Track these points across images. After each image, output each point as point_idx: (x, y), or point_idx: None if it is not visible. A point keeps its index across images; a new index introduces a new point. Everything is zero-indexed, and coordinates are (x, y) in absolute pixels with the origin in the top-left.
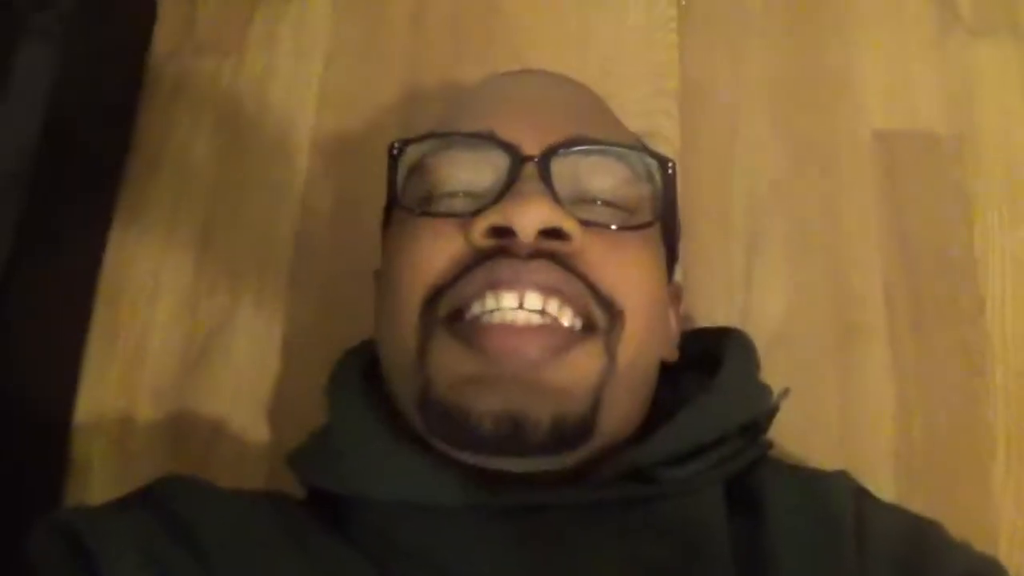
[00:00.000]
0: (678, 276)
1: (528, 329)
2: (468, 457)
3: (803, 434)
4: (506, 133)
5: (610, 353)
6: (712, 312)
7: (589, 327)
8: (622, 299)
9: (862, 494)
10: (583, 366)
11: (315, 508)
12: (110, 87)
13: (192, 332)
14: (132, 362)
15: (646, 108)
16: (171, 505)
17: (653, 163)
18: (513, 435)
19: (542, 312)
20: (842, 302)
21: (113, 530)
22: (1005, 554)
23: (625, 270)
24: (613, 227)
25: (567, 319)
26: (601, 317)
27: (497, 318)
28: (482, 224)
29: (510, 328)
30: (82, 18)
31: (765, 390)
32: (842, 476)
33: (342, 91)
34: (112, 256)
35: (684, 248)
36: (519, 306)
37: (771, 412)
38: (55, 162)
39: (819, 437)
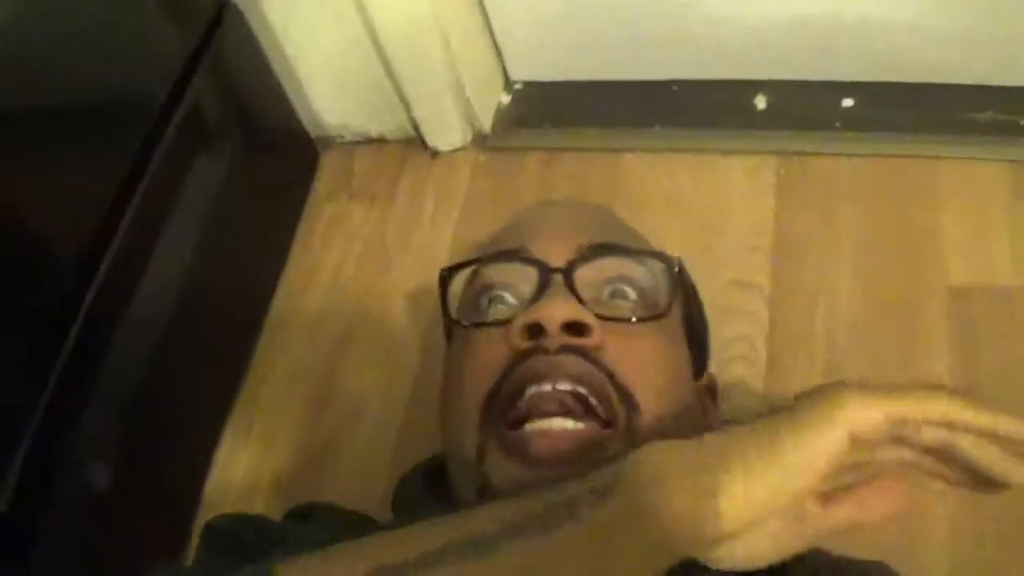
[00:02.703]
0: None
1: (562, 433)
2: None
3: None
4: (534, 249)
5: (630, 443)
6: None
7: (610, 421)
8: (639, 393)
9: None
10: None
11: None
12: (270, 219)
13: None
14: (262, 453)
15: (742, 261)
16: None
17: (661, 265)
18: None
19: (573, 394)
20: None
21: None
22: None
23: (643, 360)
24: (631, 320)
25: (592, 400)
26: (620, 410)
27: (538, 427)
28: (517, 326)
29: (548, 434)
30: (251, 154)
31: None
32: (882, 566)
33: (474, 236)
34: (257, 361)
35: (769, 384)
36: (552, 389)
37: None
38: (209, 284)
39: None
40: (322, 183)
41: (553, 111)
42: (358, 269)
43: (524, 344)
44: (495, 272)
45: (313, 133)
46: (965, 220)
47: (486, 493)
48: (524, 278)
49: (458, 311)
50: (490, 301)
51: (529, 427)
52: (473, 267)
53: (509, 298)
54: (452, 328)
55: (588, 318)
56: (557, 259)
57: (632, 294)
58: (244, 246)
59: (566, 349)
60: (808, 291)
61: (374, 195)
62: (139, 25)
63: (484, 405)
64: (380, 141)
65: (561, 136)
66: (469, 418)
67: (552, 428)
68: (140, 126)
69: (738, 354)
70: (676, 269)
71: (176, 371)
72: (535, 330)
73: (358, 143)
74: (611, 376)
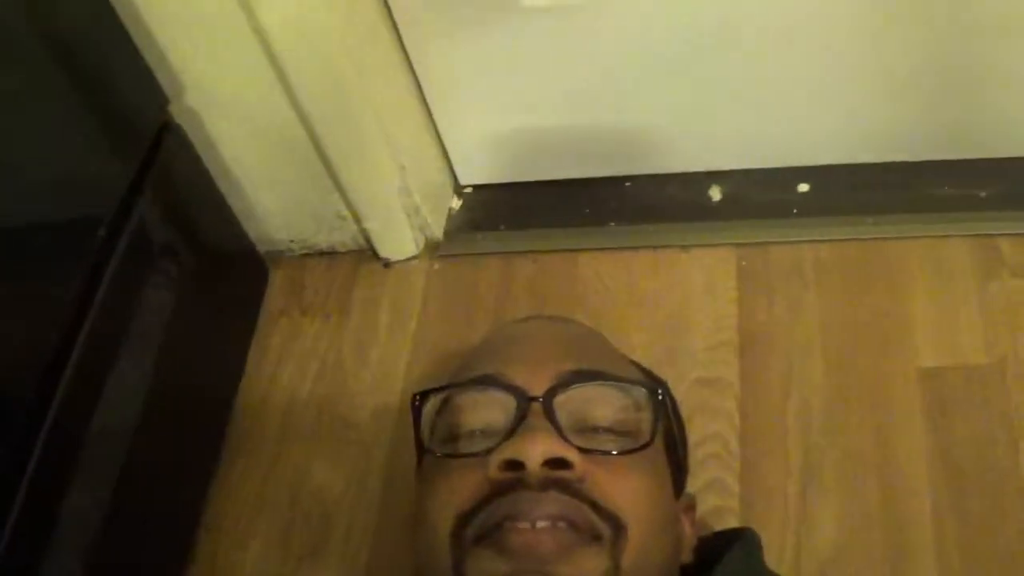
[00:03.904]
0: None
1: (542, 530)
2: None
3: None
4: (511, 375)
5: (614, 560)
6: (769, 540)
7: (594, 537)
8: (624, 515)
9: None
10: (589, 567)
11: None
12: (222, 338)
13: (284, 560)
14: None
15: (708, 358)
16: None
17: (644, 392)
18: None
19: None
20: (892, 526)
21: None
22: None
23: (627, 488)
24: (613, 452)
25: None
26: (605, 530)
27: (520, 525)
28: (496, 459)
29: (527, 530)
30: (200, 274)
31: None
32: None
33: (433, 346)
34: (215, 492)
35: (744, 482)
36: (531, 527)
37: None
38: (164, 412)
39: None
40: (273, 299)
41: (505, 214)
42: (314, 388)
43: (502, 476)
44: (470, 399)
45: (262, 248)
46: (932, 300)
47: None
48: (501, 406)
49: (430, 438)
50: (464, 429)
51: (509, 524)
52: (446, 392)
53: (485, 427)
54: (425, 456)
55: (570, 454)
56: (535, 386)
57: (615, 424)
58: (199, 367)
59: (547, 484)
60: (778, 384)
61: (327, 310)
62: (80, 150)
63: (456, 527)
64: (331, 253)
65: (515, 239)
66: (440, 542)
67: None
68: (86, 251)
69: (711, 453)
70: (660, 396)
71: (137, 498)
72: (515, 465)
73: (308, 256)
74: (594, 505)
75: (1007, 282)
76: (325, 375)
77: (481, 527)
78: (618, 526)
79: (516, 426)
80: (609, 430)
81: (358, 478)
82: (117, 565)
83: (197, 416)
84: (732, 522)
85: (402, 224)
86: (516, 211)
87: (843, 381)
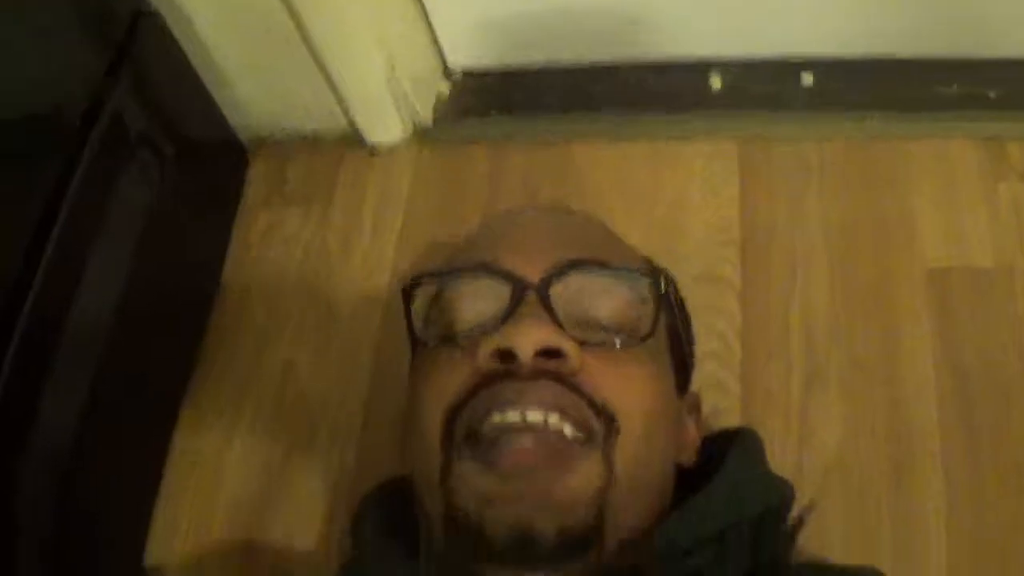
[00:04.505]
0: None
1: (533, 446)
2: (485, 570)
3: (853, 557)
4: (507, 263)
5: (608, 462)
6: (770, 443)
7: (588, 439)
8: (619, 411)
9: None
10: (584, 476)
11: None
12: (202, 229)
13: (269, 459)
14: (209, 486)
15: (709, 255)
16: None
17: (647, 283)
18: (523, 547)
19: (545, 429)
20: (897, 432)
21: None
22: None
23: (623, 384)
24: (610, 345)
25: (568, 430)
26: (598, 427)
27: (504, 437)
28: (485, 349)
29: (517, 446)
30: (179, 163)
31: (773, 485)
32: (873, 572)
33: (421, 237)
34: (196, 387)
35: (745, 383)
36: (522, 421)
37: (795, 521)
38: (143, 304)
39: (871, 560)
40: (255, 188)
41: (497, 100)
42: (298, 280)
43: (491, 366)
44: (463, 286)
45: (243, 136)
46: (938, 201)
47: (451, 519)
48: (495, 294)
49: (421, 328)
50: (457, 319)
51: (497, 434)
52: (439, 279)
53: (479, 317)
54: (415, 346)
55: (565, 344)
56: (531, 274)
57: (614, 317)
58: (178, 258)
59: (539, 374)
60: (781, 283)
61: (311, 199)
62: (54, 40)
63: (445, 426)
64: (314, 141)
65: (506, 125)
66: (430, 440)
67: (522, 437)
68: (61, 142)
69: (710, 351)
70: (663, 286)
71: (116, 392)
72: (506, 355)
73: (291, 144)
74: (590, 400)
75: (1015, 185)
76: (309, 266)
77: (468, 422)
78: (612, 427)
79: (509, 315)
80: (608, 324)
81: (344, 372)
82: (95, 459)
83: (177, 308)
84: (731, 423)
85: (389, 110)
86: (508, 97)
87: (848, 282)
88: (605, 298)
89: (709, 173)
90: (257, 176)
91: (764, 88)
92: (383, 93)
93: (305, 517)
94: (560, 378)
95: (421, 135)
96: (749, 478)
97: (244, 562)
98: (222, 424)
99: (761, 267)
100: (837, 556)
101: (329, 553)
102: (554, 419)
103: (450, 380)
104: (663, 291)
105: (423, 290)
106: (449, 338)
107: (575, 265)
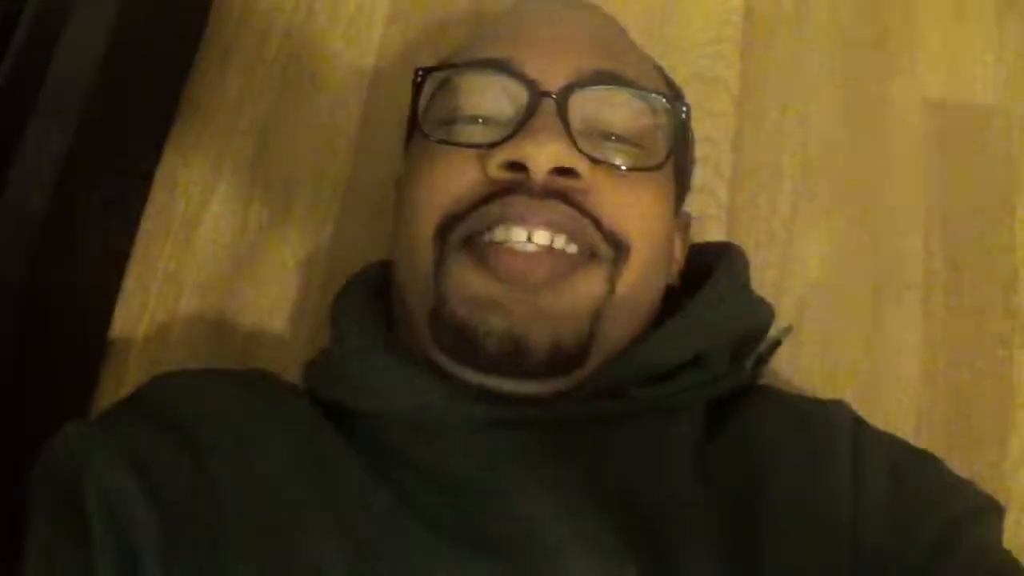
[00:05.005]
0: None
1: (536, 254)
2: (470, 375)
3: (828, 382)
4: (526, 64)
5: (611, 282)
6: (753, 256)
7: (592, 256)
8: (628, 236)
9: (860, 423)
10: (584, 292)
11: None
12: None
13: (243, 228)
14: (181, 254)
15: (707, 53)
16: (164, 406)
17: (668, 106)
18: (514, 356)
19: (550, 247)
20: (880, 260)
21: (103, 442)
22: (1015, 521)
23: (633, 209)
24: (624, 167)
25: (573, 250)
26: (605, 250)
27: (507, 245)
28: (498, 158)
29: (520, 253)
30: None
31: (755, 309)
32: (841, 404)
33: (410, 5)
34: (172, 149)
35: (733, 190)
36: (528, 240)
37: (771, 343)
38: (124, 58)
39: (844, 387)
40: None
41: None
42: (280, 45)
43: (502, 176)
44: (476, 83)
45: None
46: (944, 29)
47: (440, 319)
48: (509, 96)
49: (425, 118)
50: (465, 115)
51: (500, 239)
52: (450, 71)
53: (488, 116)
54: (417, 136)
55: (580, 163)
56: (550, 80)
57: (628, 133)
58: (156, 21)
59: (550, 192)
60: (779, 90)
61: None
62: None
63: (443, 225)
64: None
65: None
66: (423, 236)
67: (526, 248)
68: None
69: (700, 156)
70: (684, 114)
71: (97, 144)
72: (518, 167)
73: None
74: (597, 222)
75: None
76: (292, 31)
77: (470, 230)
78: (620, 247)
79: (524, 123)
80: (621, 138)
81: (326, 140)
82: (69, 220)
83: (155, 69)
84: (716, 232)
85: None
86: None
87: (846, 99)
88: (623, 113)
89: None
90: None
91: None
92: None
93: (277, 293)
94: (569, 197)
95: None
96: (732, 301)
97: (213, 338)
98: (198, 188)
99: (759, 70)
100: (807, 376)
101: (297, 335)
102: (560, 241)
103: (456, 183)
104: (683, 117)
105: (434, 76)
106: (454, 133)
107: (597, 76)
